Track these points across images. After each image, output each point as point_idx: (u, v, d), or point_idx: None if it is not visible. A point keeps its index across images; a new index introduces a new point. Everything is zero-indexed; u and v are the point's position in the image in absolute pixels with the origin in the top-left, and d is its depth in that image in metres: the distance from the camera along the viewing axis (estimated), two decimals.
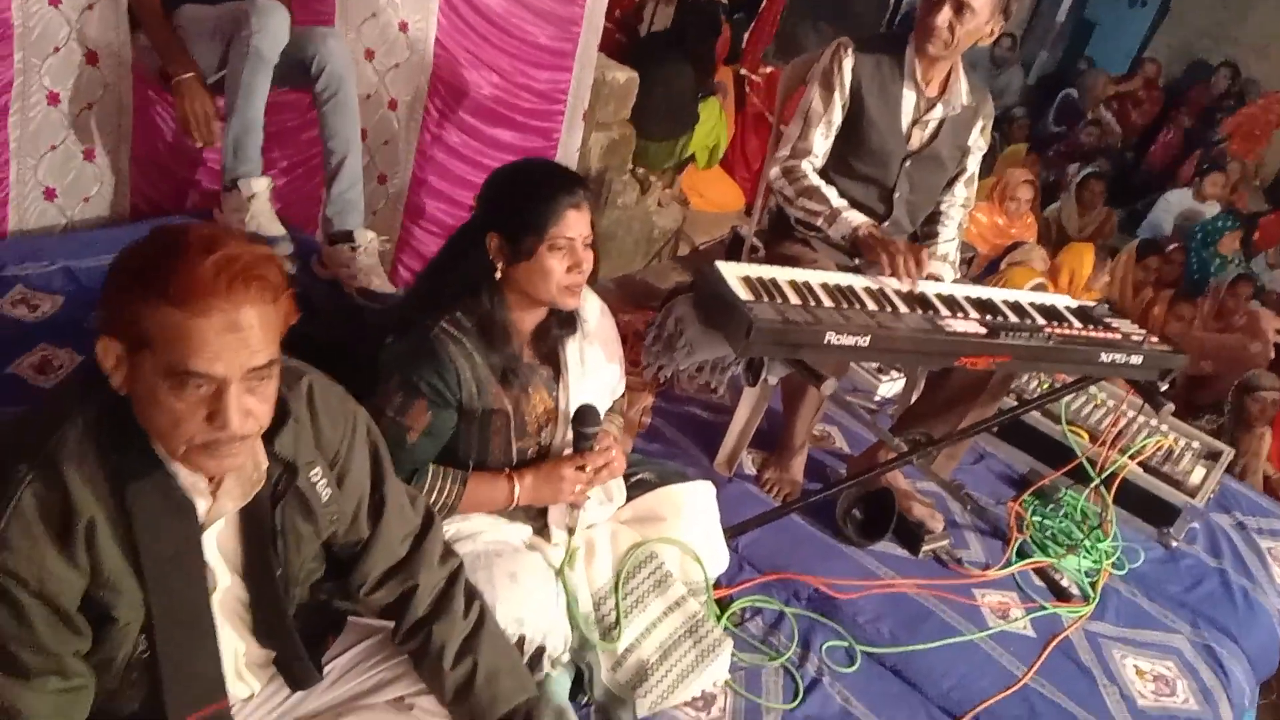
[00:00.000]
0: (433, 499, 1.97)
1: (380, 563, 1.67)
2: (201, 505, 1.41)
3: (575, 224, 1.94)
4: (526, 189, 1.96)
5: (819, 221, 2.77)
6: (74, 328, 2.74)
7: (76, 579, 1.29)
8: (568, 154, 4.32)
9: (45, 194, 3.20)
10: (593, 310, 2.19)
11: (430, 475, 1.99)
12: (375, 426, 1.67)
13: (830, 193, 2.77)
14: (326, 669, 1.70)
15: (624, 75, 4.57)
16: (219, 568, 1.48)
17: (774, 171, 2.87)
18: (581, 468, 2.06)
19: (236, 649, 1.57)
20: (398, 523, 1.68)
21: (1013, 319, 2.58)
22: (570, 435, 2.09)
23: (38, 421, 1.33)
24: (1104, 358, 2.58)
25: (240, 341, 1.25)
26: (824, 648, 2.49)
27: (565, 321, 2.09)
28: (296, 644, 1.60)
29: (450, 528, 2.03)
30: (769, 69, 6.20)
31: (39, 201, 3.19)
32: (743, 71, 6.07)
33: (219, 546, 1.47)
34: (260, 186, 3.05)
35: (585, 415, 2.05)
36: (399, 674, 1.72)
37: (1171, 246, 6.32)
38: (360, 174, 3.17)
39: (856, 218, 2.72)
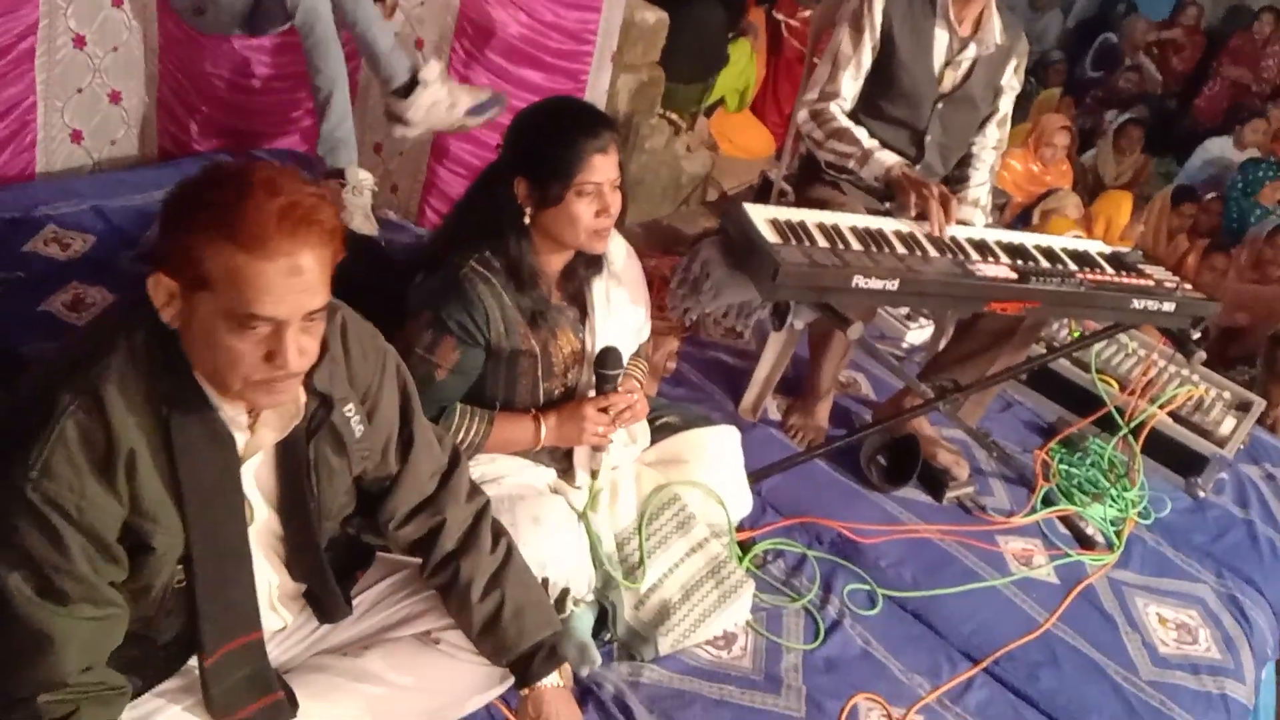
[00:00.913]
0: (459, 438, 1.99)
1: (408, 499, 1.69)
2: (240, 438, 1.43)
3: (602, 168, 1.92)
4: (552, 134, 1.94)
5: (850, 163, 2.73)
6: (105, 266, 2.77)
7: (116, 508, 1.31)
8: (595, 96, 4.27)
9: (72, 136, 3.22)
10: (619, 252, 2.18)
11: (457, 414, 2.00)
12: (404, 365, 1.69)
13: (860, 133, 2.74)
14: (355, 602, 1.73)
15: (653, 16, 4.50)
16: (256, 501, 1.50)
17: (801, 115, 2.83)
18: (604, 409, 2.06)
19: (270, 581, 1.60)
20: (426, 460, 1.70)
21: (1044, 264, 2.55)
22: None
23: (81, 351, 1.35)
24: (1136, 304, 2.54)
25: (301, 285, 1.27)
26: (845, 591, 2.50)
27: (591, 262, 2.08)
28: (328, 577, 1.63)
29: (475, 470, 2.05)
30: (806, 12, 6.08)
31: (66, 144, 3.21)
32: (779, 16, 5.95)
33: (256, 480, 1.50)
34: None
35: (607, 357, 2.06)
36: (426, 609, 1.75)
37: (1209, 195, 6.20)
38: (349, 110, 3.16)
39: (889, 157, 2.68)
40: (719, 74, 5.33)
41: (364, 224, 3.23)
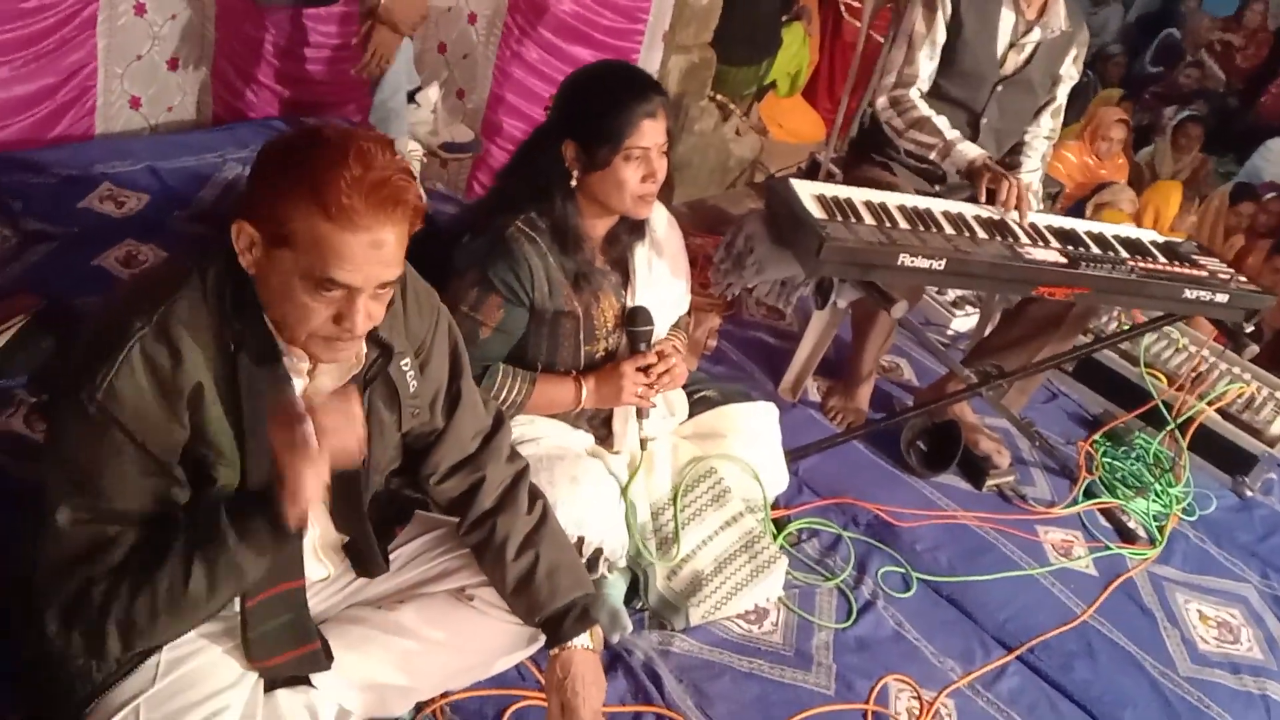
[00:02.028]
0: (501, 397, 2.00)
1: (450, 455, 1.71)
2: (299, 384, 1.45)
3: (651, 133, 1.92)
4: (602, 98, 1.94)
5: (932, 154, 2.71)
6: (157, 225, 2.82)
7: (178, 432, 1.34)
8: None
9: (131, 102, 3.28)
10: (660, 221, 2.18)
11: (500, 374, 2.01)
12: (455, 324, 1.70)
13: (942, 123, 2.71)
14: (392, 557, 1.75)
15: None
16: None
17: (881, 102, 2.80)
18: (642, 369, 2.06)
19: (316, 530, 1.62)
20: (470, 419, 1.72)
21: (1095, 250, 2.51)
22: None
23: (154, 284, 1.38)
24: (1188, 294, 2.50)
25: (379, 258, 1.30)
26: (880, 573, 2.49)
27: (635, 228, 2.08)
28: (369, 531, 1.65)
29: (515, 431, 2.05)
30: None
31: (125, 110, 3.27)
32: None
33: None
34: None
35: (636, 315, 2.06)
36: (461, 565, 1.76)
37: (1269, 195, 6.05)
38: (403, 83, 3.21)
39: (971, 150, 2.66)
40: (772, 58, 5.28)
41: None
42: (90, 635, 1.34)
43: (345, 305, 1.32)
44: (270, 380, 1.40)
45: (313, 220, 1.26)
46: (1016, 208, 2.56)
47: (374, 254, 1.29)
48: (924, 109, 2.73)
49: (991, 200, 2.56)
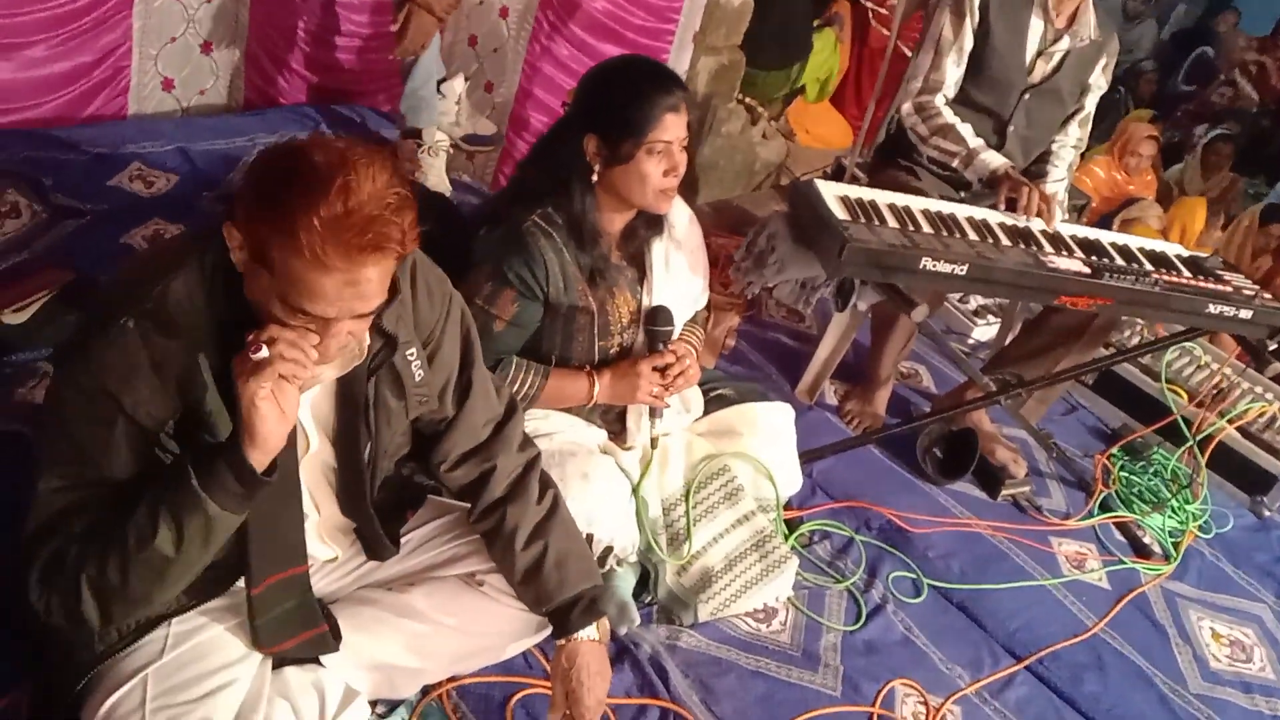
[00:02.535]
0: (514, 389, 2.01)
1: (462, 443, 1.71)
2: None
3: (673, 127, 1.92)
4: (625, 91, 1.94)
5: (955, 162, 2.70)
6: (186, 205, 2.85)
7: (169, 407, 1.33)
8: None
9: (164, 84, 3.31)
10: (681, 217, 2.18)
11: (514, 367, 2.02)
12: (468, 311, 1.70)
13: (965, 130, 2.70)
14: (404, 540, 1.76)
15: None
16: (311, 431, 1.53)
17: (906, 108, 2.79)
18: (658, 369, 2.06)
19: (322, 512, 1.63)
20: (482, 407, 1.72)
21: (1119, 261, 2.50)
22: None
23: (153, 263, 1.38)
24: (1211, 309, 2.48)
25: (356, 294, 1.26)
26: (890, 577, 2.48)
27: (652, 223, 2.08)
28: (372, 517, 1.65)
29: (528, 425, 2.05)
30: (894, 1, 5.99)
31: (157, 91, 3.30)
32: (867, 3, 5.85)
33: (313, 410, 1.52)
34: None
35: (657, 315, 2.06)
36: (471, 551, 1.76)
37: None
38: (434, 73, 3.24)
39: (995, 159, 2.64)
40: (803, 63, 5.27)
41: (437, 184, 3.30)
42: (66, 597, 1.32)
43: (321, 329, 1.29)
44: None
45: (287, 254, 1.22)
46: (1040, 215, 2.55)
47: (349, 291, 1.25)
48: (949, 116, 2.72)
49: (1013, 209, 2.55)
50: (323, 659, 1.62)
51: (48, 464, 1.33)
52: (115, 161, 2.92)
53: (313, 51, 3.51)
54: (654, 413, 2.12)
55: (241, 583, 1.53)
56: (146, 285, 1.32)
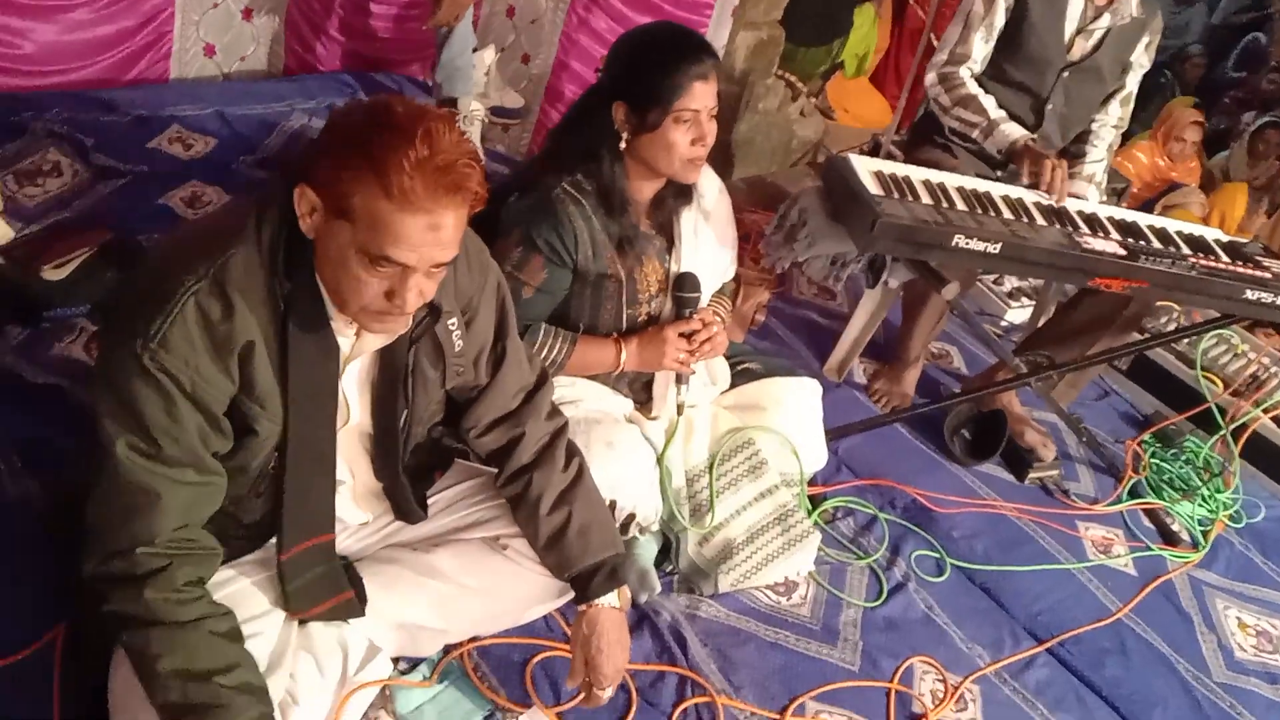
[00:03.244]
0: (542, 355, 2.01)
1: (492, 410, 1.73)
2: (345, 343, 1.48)
3: (702, 95, 1.91)
4: (654, 59, 1.93)
5: (975, 133, 2.68)
6: (223, 168, 2.89)
7: (226, 385, 1.37)
8: None
9: (205, 50, 3.34)
10: (710, 187, 2.17)
11: (542, 333, 2.03)
12: (504, 282, 1.72)
13: (988, 103, 2.67)
14: (431, 502, 1.78)
15: None
16: (354, 400, 1.56)
17: (930, 78, 2.76)
18: (684, 335, 2.06)
19: (357, 479, 1.66)
20: (514, 376, 1.74)
21: (1155, 244, 2.47)
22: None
23: (210, 235, 1.40)
24: (1249, 295, 2.44)
25: (436, 240, 1.31)
26: (913, 556, 2.48)
27: (681, 193, 2.08)
28: (404, 483, 1.68)
29: (555, 392, 2.06)
30: None
31: (199, 57, 3.34)
32: None
33: (357, 380, 1.55)
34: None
35: (684, 281, 2.06)
36: (497, 515, 1.79)
37: None
38: (470, 43, 3.24)
39: (1015, 130, 2.62)
40: (844, 39, 5.23)
41: None
42: (100, 606, 1.38)
43: (398, 282, 1.33)
44: (318, 345, 1.43)
45: (373, 198, 1.27)
46: (1056, 191, 2.51)
47: (431, 236, 1.30)
48: (972, 87, 2.69)
49: (1036, 187, 2.51)
50: None
51: (114, 430, 1.34)
52: (155, 124, 2.95)
53: (351, 19, 3.53)
54: (680, 379, 2.12)
55: (272, 541, 1.57)
56: (204, 262, 1.34)
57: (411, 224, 1.28)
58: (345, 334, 1.47)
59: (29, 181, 2.63)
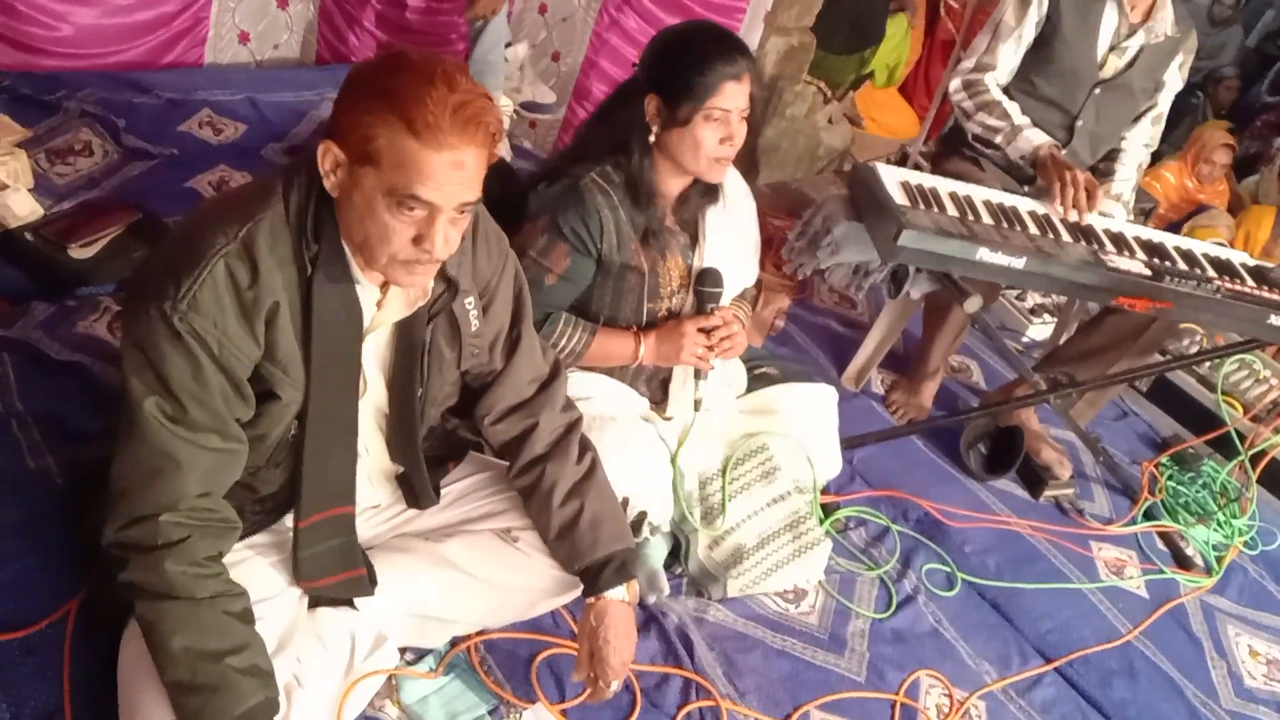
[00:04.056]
0: (561, 344, 2.02)
1: (506, 398, 1.74)
2: (367, 313, 1.49)
3: (734, 95, 1.91)
4: (689, 55, 1.93)
5: (998, 139, 2.66)
6: (252, 154, 2.91)
7: (253, 350, 1.39)
8: None
9: (240, 37, 3.37)
10: (736, 189, 2.17)
11: (562, 321, 2.03)
12: (521, 269, 1.73)
13: (1012, 108, 2.66)
14: (444, 492, 1.79)
15: None
16: (371, 373, 1.57)
17: (954, 84, 2.76)
18: (704, 330, 2.06)
19: (371, 456, 1.67)
20: (528, 365, 1.74)
21: (1181, 265, 2.45)
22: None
23: (240, 201, 1.42)
24: (1274, 320, 2.43)
25: (460, 178, 1.33)
26: (924, 569, 2.47)
27: (707, 191, 2.08)
28: (420, 463, 1.69)
29: (571, 388, 2.06)
30: None
31: (234, 44, 3.37)
32: None
33: (374, 354, 1.56)
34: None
35: (707, 275, 2.06)
36: (509, 507, 1.79)
37: None
38: (502, 38, 3.26)
39: (1038, 136, 2.60)
40: (875, 48, 5.21)
41: (500, 148, 3.32)
42: (115, 570, 1.39)
43: (425, 226, 1.34)
44: (342, 307, 1.44)
45: (398, 137, 1.29)
46: (1088, 198, 2.49)
47: (455, 174, 1.32)
48: (996, 94, 2.68)
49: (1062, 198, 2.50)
50: (356, 603, 1.66)
51: (142, 391, 1.35)
52: (187, 107, 2.98)
53: (384, 11, 3.55)
54: (698, 374, 2.11)
55: (287, 520, 1.58)
56: (233, 226, 1.36)
57: (437, 160, 1.30)
58: (368, 300, 1.48)
59: (60, 160, 2.66)
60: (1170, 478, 3.04)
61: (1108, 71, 2.71)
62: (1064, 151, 2.74)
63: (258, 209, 1.37)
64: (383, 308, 1.50)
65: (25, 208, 2.42)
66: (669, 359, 2.10)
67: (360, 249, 1.41)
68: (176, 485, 1.37)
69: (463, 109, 1.29)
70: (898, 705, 2.11)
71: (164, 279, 1.34)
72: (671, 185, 2.05)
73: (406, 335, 1.56)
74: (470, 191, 1.35)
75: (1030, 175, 2.70)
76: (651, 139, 1.96)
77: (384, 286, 1.49)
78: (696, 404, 2.11)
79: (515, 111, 3.63)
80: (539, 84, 3.90)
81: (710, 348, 2.07)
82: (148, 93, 2.96)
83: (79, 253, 2.33)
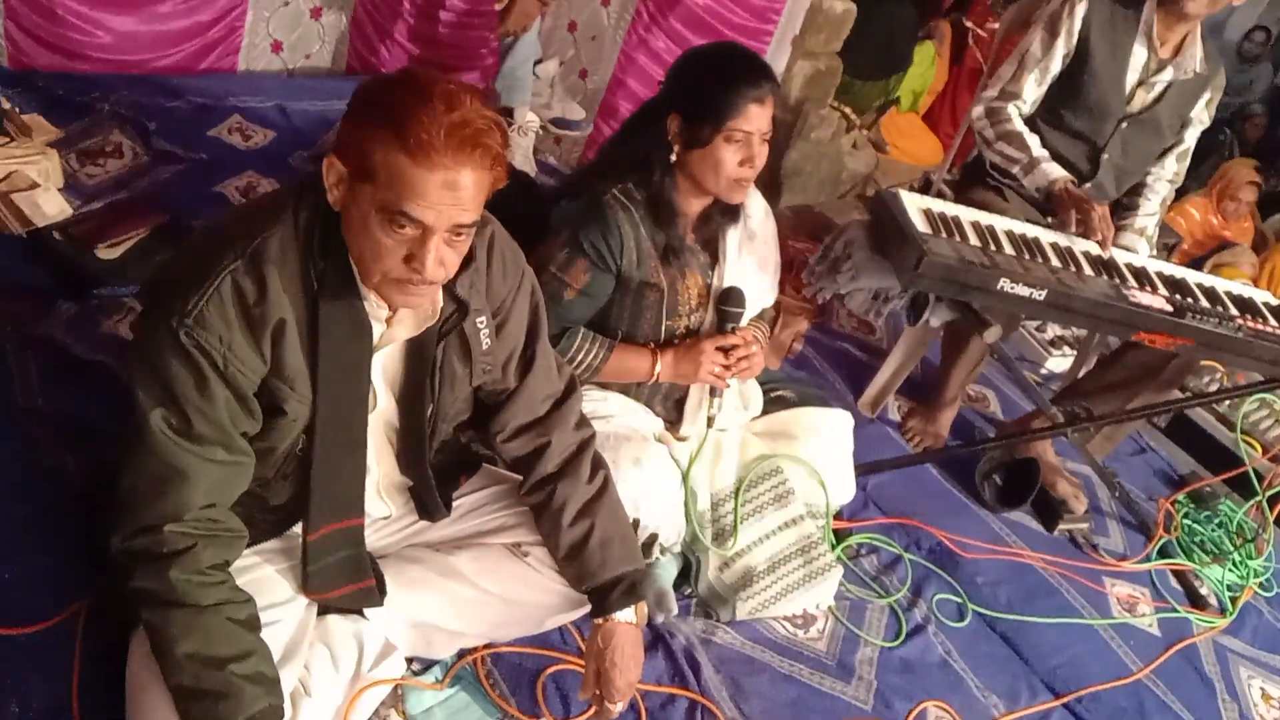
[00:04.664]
0: (578, 359, 2.03)
1: (519, 415, 1.74)
2: (376, 329, 1.50)
3: (756, 118, 1.92)
4: (712, 76, 1.94)
5: (1016, 169, 2.66)
6: (279, 161, 2.94)
7: (259, 365, 1.40)
8: None
9: (273, 46, 3.41)
10: (757, 210, 2.18)
11: (580, 336, 2.04)
12: (539, 288, 1.73)
13: (1033, 140, 2.66)
14: (455, 504, 1.79)
15: (842, 5, 4.43)
16: (380, 389, 1.57)
17: (977, 110, 2.76)
18: (723, 349, 2.06)
19: (381, 469, 1.67)
20: (543, 382, 1.74)
21: (1203, 303, 2.44)
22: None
23: (249, 218, 1.43)
24: None
25: (454, 199, 1.32)
26: (935, 599, 2.46)
27: (728, 211, 2.08)
28: (429, 476, 1.69)
29: (586, 405, 2.06)
30: (995, 24, 5.91)
31: (266, 53, 3.41)
32: (967, 23, 5.80)
33: (384, 370, 1.57)
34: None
35: (730, 295, 2.06)
36: (519, 522, 1.79)
37: None
38: (532, 53, 3.29)
39: (1055, 170, 2.60)
40: (901, 75, 5.22)
41: (523, 163, 3.35)
42: (121, 581, 1.40)
43: (417, 245, 1.34)
44: (350, 324, 1.45)
45: (392, 153, 1.29)
46: (1102, 235, 2.49)
47: (448, 194, 1.31)
48: (1018, 124, 2.68)
49: (1083, 231, 2.49)
50: (365, 612, 1.66)
51: (149, 403, 1.36)
52: (217, 113, 3.02)
53: (415, 24, 3.58)
54: (714, 391, 2.11)
55: (296, 528, 1.58)
56: (242, 243, 1.36)
57: (429, 180, 1.29)
58: (377, 317, 1.49)
59: (90, 161, 2.70)
60: (1186, 515, 3.02)
61: (1135, 106, 2.71)
62: (1089, 185, 2.74)
63: (267, 226, 1.38)
64: (392, 325, 1.50)
65: (54, 207, 2.45)
66: (686, 377, 2.10)
67: (358, 265, 1.41)
68: (182, 497, 1.38)
69: (459, 128, 1.29)
70: None
71: (172, 294, 1.35)
72: (692, 204, 2.05)
73: (417, 352, 1.56)
74: (466, 214, 1.34)
75: (1051, 208, 2.70)
76: (673, 158, 1.97)
77: (388, 301, 1.49)
78: (710, 420, 2.11)
79: (542, 127, 3.65)
80: (569, 101, 3.92)
81: (727, 367, 2.06)
82: (179, 97, 2.99)
83: (106, 253, 2.35)
